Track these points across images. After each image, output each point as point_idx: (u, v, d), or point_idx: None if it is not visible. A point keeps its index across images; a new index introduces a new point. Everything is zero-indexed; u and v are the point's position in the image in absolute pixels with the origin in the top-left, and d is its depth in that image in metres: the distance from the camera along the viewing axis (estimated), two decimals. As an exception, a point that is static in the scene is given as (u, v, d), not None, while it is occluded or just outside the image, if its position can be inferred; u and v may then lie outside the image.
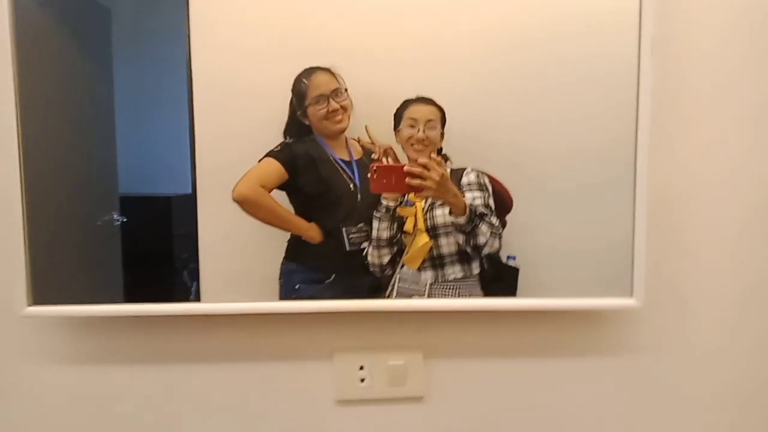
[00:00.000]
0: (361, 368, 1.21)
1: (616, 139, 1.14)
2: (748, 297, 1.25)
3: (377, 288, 1.16)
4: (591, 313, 1.23)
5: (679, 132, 1.19)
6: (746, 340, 1.25)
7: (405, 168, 1.09)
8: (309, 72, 1.10)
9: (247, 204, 1.10)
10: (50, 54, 1.09)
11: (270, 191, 1.11)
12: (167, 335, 1.19)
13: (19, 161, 1.07)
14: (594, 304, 1.17)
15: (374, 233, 1.14)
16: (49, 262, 1.10)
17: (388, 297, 1.16)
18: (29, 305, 1.10)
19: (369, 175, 1.10)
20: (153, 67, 1.11)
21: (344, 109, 1.12)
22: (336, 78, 1.11)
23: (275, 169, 1.11)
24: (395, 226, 1.15)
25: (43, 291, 1.09)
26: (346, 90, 1.11)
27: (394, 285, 1.16)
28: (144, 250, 1.15)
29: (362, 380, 1.21)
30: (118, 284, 1.13)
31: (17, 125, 1.06)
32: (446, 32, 1.12)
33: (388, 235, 1.15)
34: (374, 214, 1.14)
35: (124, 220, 1.12)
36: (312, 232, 1.14)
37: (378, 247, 1.15)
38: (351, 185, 1.15)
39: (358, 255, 1.15)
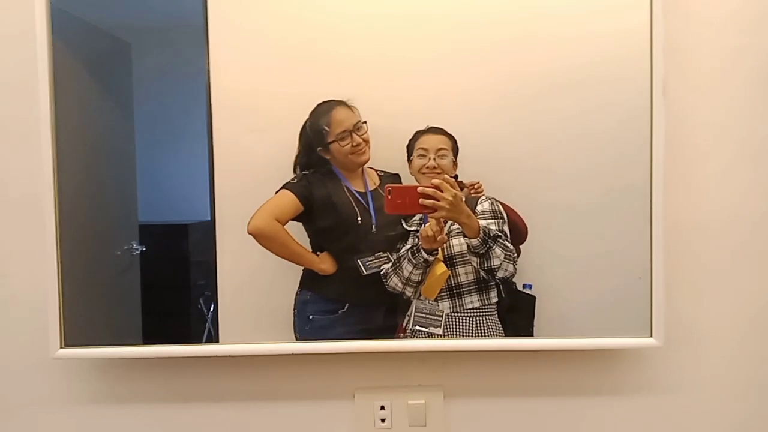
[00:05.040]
0: (382, 408, 1.20)
1: (631, 176, 1.14)
2: (764, 332, 1.22)
3: (392, 319, 1.16)
4: (611, 351, 1.21)
5: (692, 170, 1.20)
6: (764, 377, 1.23)
7: (419, 189, 1.09)
8: (328, 107, 1.11)
9: (261, 238, 1.11)
10: (74, 89, 1.12)
11: (285, 224, 1.12)
12: (188, 375, 1.19)
13: (55, 200, 1.09)
14: (614, 343, 1.16)
15: (406, 274, 1.14)
16: (76, 301, 1.11)
17: (405, 327, 1.15)
18: (61, 347, 1.11)
19: (384, 195, 1.10)
20: (173, 99, 1.14)
21: (366, 142, 1.13)
22: (354, 112, 1.12)
23: (291, 201, 1.12)
24: (427, 270, 1.15)
25: (71, 332, 1.10)
26: (365, 123, 1.12)
27: (410, 315, 1.15)
28: (161, 278, 1.16)
29: (383, 420, 1.20)
30: (136, 316, 1.14)
31: (53, 167, 1.08)
32: (459, 84, 1.14)
33: (420, 279, 1.15)
34: (410, 257, 1.13)
35: (143, 249, 1.13)
36: (324, 264, 1.14)
37: (406, 284, 1.15)
38: (365, 216, 1.15)
39: (372, 286, 1.15)
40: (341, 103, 1.12)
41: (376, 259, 1.14)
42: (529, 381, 1.22)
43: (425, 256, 1.13)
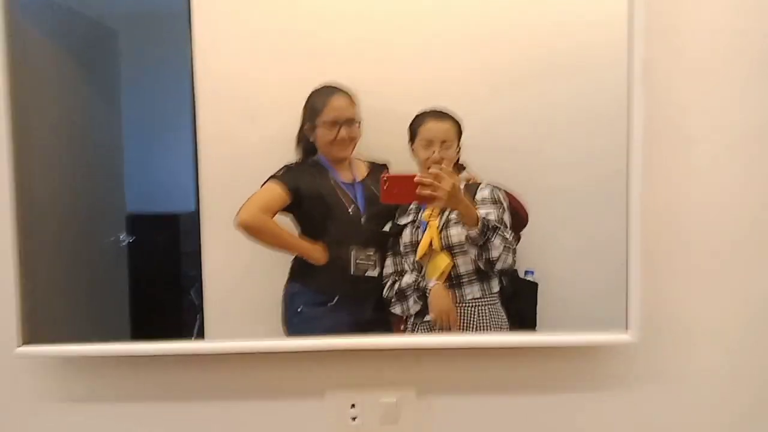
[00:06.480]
0: (353, 406, 1.18)
1: (610, 167, 1.12)
2: (747, 326, 1.20)
3: (382, 311, 1.15)
4: (588, 346, 1.19)
5: (672, 159, 1.17)
6: (746, 370, 1.21)
7: (415, 178, 1.07)
8: (329, 91, 1.09)
9: (250, 230, 1.10)
10: (58, 78, 1.11)
11: (273, 216, 1.11)
12: (160, 373, 1.17)
13: (11, 186, 1.07)
14: (588, 340, 1.14)
15: (409, 308, 1.13)
16: (49, 294, 1.09)
17: (406, 319, 1.14)
18: (20, 345, 1.08)
19: (379, 185, 1.09)
20: (161, 86, 1.12)
21: (352, 139, 1.11)
22: (354, 106, 1.10)
23: (277, 193, 1.10)
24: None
25: (40, 327, 1.08)
26: (359, 123, 1.10)
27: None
28: (151, 269, 1.15)
29: (354, 419, 1.18)
30: (124, 307, 1.13)
31: (11, 148, 1.06)
32: (454, 68, 1.12)
33: (421, 309, 1.14)
34: (406, 292, 1.13)
35: (132, 240, 1.12)
36: (317, 253, 1.12)
37: (409, 312, 1.15)
38: (353, 208, 1.13)
39: (362, 277, 1.13)
40: (345, 92, 1.10)
41: (366, 259, 1.13)
42: (505, 377, 1.20)
43: (423, 287, 1.13)
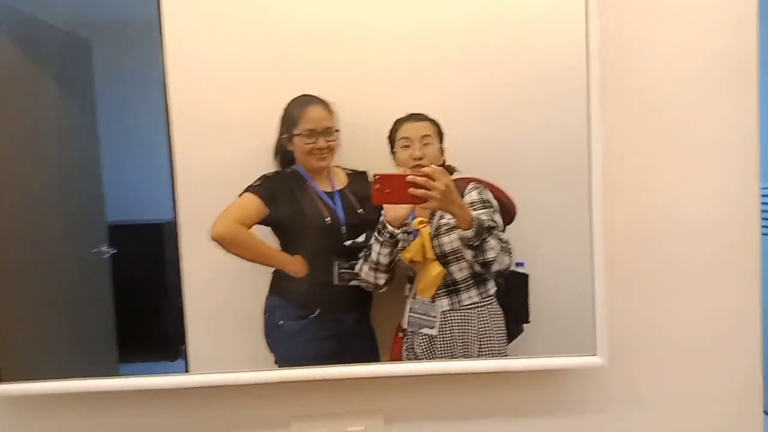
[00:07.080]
0: None
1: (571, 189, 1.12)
2: (717, 346, 1.20)
3: (365, 323, 1.13)
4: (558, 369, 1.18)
5: (634, 181, 1.17)
6: (716, 391, 1.21)
7: (408, 177, 1.04)
8: (306, 100, 1.08)
9: (225, 243, 1.07)
10: (31, 89, 1.10)
11: (249, 227, 1.08)
12: (117, 407, 1.13)
13: None
14: (557, 363, 1.12)
15: (374, 256, 1.09)
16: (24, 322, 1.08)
17: (404, 328, 1.12)
18: None
19: (371, 184, 1.06)
20: (135, 94, 1.11)
21: (331, 149, 1.09)
22: (331, 116, 1.08)
23: (254, 204, 1.08)
24: (396, 251, 1.09)
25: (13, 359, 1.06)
26: (337, 131, 1.08)
27: (404, 315, 1.12)
28: (135, 279, 1.14)
29: None
30: (109, 321, 1.12)
31: None
32: (431, 90, 1.11)
33: (389, 261, 1.09)
34: (376, 236, 1.09)
35: (114, 251, 1.10)
36: (296, 265, 1.10)
37: (376, 270, 1.10)
38: (333, 217, 1.11)
39: (343, 290, 1.10)
40: (322, 102, 1.08)
41: (350, 268, 1.10)
42: (473, 402, 1.17)
43: (391, 230, 1.07)
